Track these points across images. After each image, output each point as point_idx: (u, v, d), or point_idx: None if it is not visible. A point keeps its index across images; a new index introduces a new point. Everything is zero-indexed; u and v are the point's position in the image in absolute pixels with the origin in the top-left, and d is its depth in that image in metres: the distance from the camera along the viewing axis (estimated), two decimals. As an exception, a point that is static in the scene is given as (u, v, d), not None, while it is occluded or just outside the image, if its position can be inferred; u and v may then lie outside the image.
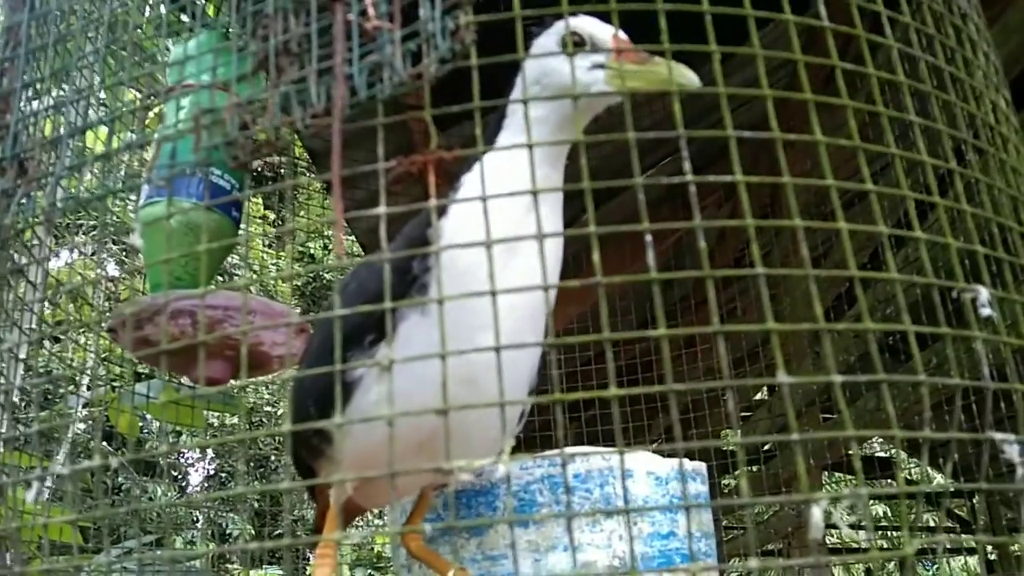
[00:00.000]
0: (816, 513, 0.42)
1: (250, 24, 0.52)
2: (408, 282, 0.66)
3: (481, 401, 0.46)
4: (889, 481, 3.88)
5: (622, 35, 0.67)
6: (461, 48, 0.45)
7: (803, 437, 0.43)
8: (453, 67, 0.48)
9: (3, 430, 0.57)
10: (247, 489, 0.43)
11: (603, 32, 0.68)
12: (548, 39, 0.72)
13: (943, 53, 0.58)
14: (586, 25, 0.69)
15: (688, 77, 0.59)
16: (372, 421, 0.51)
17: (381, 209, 0.47)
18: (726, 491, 2.98)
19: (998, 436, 0.48)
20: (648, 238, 0.46)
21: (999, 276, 0.54)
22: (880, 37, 0.55)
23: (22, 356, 0.76)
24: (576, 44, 0.69)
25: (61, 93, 0.58)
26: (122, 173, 0.57)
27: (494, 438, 0.65)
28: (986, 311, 0.50)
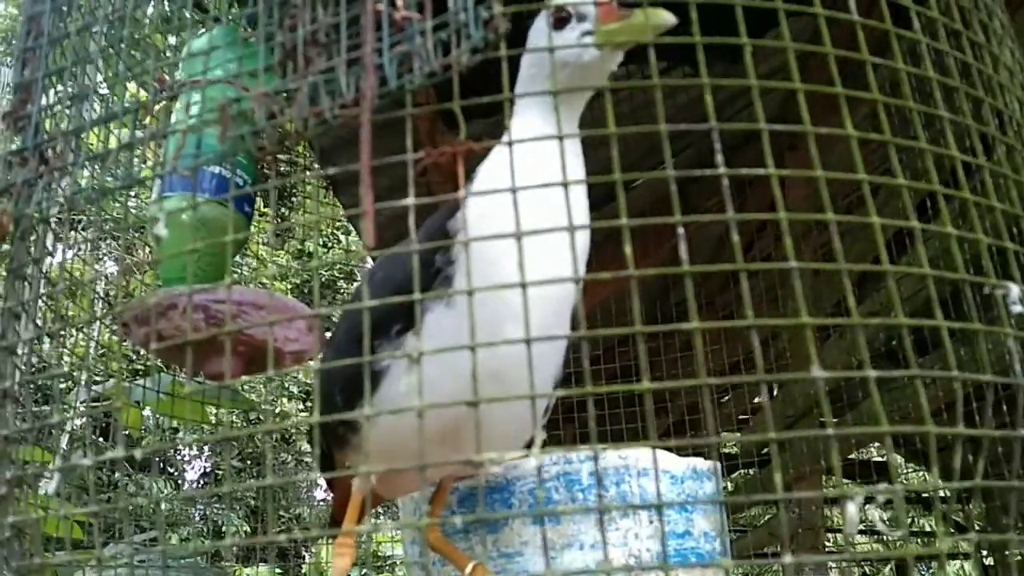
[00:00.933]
0: (852, 509, 0.42)
1: (276, 13, 0.52)
2: (432, 275, 0.66)
3: (507, 393, 0.45)
4: (886, 484, 3.88)
5: None
6: (494, 38, 0.45)
7: (838, 432, 0.43)
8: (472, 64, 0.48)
9: (24, 424, 0.56)
10: (276, 481, 0.43)
11: (585, 1, 0.69)
12: (540, 22, 0.73)
13: (970, 48, 0.58)
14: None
15: (663, 18, 0.60)
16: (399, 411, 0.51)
17: (410, 200, 0.47)
18: (724, 492, 2.97)
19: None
20: (680, 230, 0.45)
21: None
22: (908, 31, 0.54)
23: (35, 349, 0.76)
24: (563, 19, 0.70)
25: (84, 83, 0.57)
26: (145, 165, 0.57)
27: (517, 431, 0.64)
28: (1017, 308, 0.50)
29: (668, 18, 0.59)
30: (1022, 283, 0.52)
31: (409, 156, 0.47)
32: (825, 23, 0.52)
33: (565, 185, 0.46)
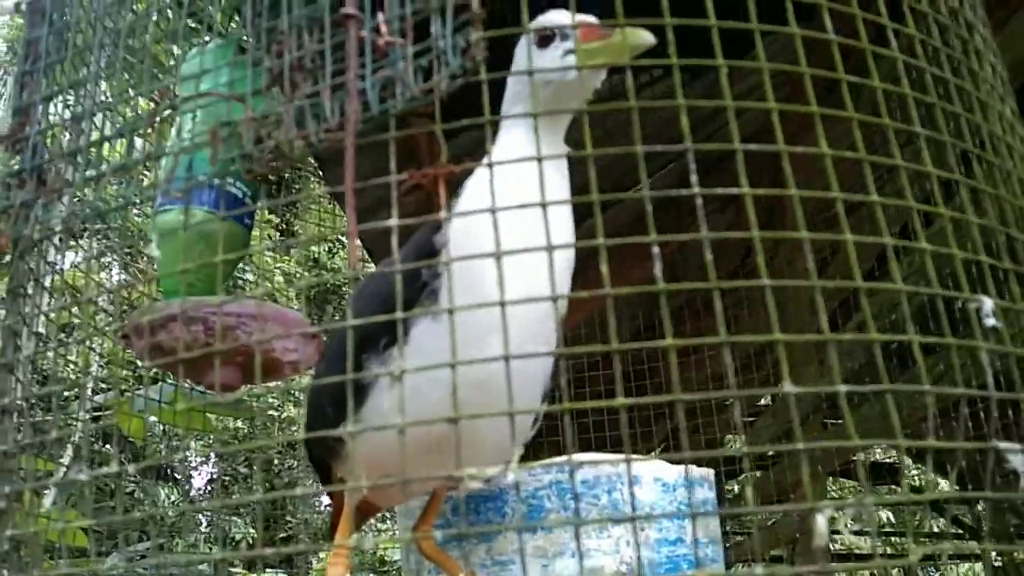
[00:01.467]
0: (820, 521, 0.43)
1: (264, 40, 0.53)
2: (418, 288, 0.68)
3: (494, 403, 0.47)
4: (892, 487, 3.87)
5: (586, 18, 0.69)
6: (472, 65, 0.46)
7: (808, 446, 0.44)
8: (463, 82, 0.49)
9: (22, 437, 0.58)
10: (266, 496, 0.44)
11: (568, 20, 0.69)
12: (526, 40, 0.74)
13: (949, 64, 0.59)
14: (553, 17, 0.71)
15: (642, 38, 0.61)
16: (385, 422, 0.52)
17: (393, 221, 0.48)
18: (730, 496, 2.97)
19: (1002, 445, 0.48)
20: (655, 250, 0.46)
21: (1005, 285, 0.55)
22: (885, 49, 0.55)
23: (37, 363, 0.77)
24: (547, 38, 0.71)
25: (79, 108, 0.59)
26: (142, 183, 0.58)
27: (506, 439, 0.65)
28: (991, 321, 0.51)
29: (647, 38, 0.60)
30: (998, 296, 0.53)
31: (392, 177, 0.49)
32: (803, 42, 0.53)
33: (544, 206, 0.47)
